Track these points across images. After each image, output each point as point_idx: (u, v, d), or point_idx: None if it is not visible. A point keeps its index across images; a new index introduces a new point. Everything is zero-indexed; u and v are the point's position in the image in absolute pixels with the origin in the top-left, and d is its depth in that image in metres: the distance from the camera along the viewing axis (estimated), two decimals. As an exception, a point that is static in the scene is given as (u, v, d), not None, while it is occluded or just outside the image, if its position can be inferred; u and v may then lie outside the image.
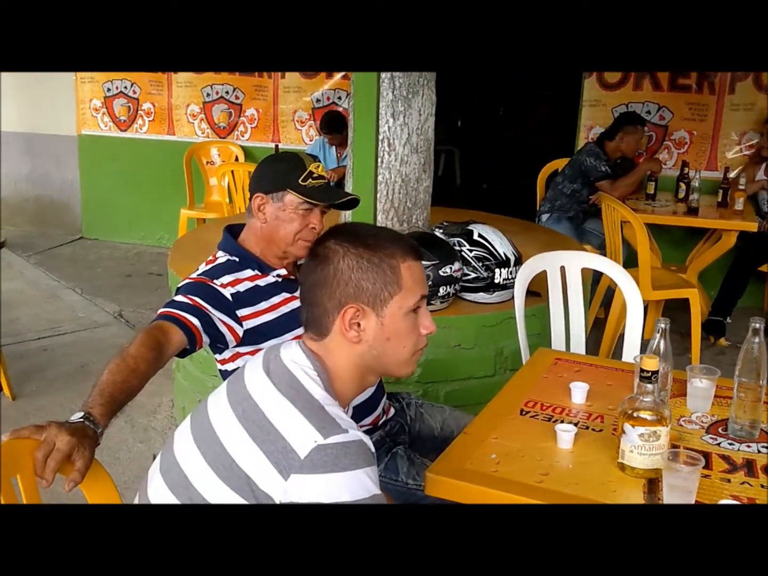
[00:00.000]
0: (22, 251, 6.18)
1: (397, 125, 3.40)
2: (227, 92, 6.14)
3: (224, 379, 2.08)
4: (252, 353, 1.96)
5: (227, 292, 1.95)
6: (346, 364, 1.40)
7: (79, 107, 6.53)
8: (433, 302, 2.89)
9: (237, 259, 2.04)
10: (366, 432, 2.07)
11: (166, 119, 6.34)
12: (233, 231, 2.13)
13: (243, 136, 6.16)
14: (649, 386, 1.60)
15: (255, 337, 1.97)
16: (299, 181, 1.99)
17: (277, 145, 5.79)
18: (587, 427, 1.85)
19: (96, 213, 6.63)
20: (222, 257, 2.05)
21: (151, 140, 6.41)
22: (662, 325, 1.82)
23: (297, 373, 1.36)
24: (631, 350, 2.62)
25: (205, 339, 1.89)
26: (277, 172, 2.04)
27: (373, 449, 1.32)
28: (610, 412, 1.93)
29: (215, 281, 1.95)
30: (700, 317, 4.24)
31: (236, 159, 6.00)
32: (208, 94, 6.18)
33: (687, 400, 1.97)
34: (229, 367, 2.03)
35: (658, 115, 5.40)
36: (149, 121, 6.39)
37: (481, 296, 3.03)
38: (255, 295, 1.99)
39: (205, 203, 5.93)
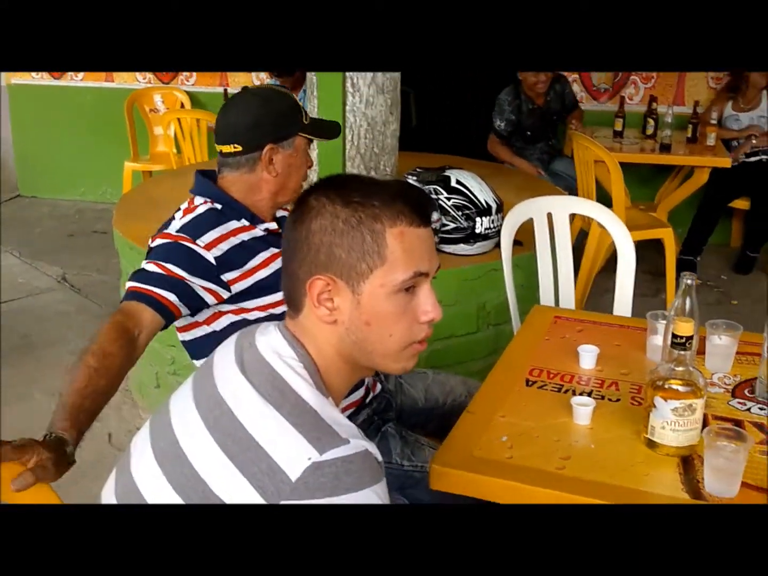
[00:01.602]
0: (-48, 213, 5.76)
1: (360, 64, 3.12)
2: (168, 34, 5.72)
3: (189, 352, 1.86)
4: (236, 312, 1.74)
5: (211, 256, 1.68)
6: (330, 351, 1.12)
7: (6, 54, 6.06)
8: (409, 257, 2.66)
9: (219, 207, 1.77)
10: (352, 413, 1.88)
11: (103, 65, 5.91)
12: (208, 176, 1.85)
13: (188, 81, 5.77)
14: (684, 353, 1.40)
15: (242, 297, 1.74)
16: (303, 120, 1.81)
17: (225, 90, 5.43)
18: (603, 397, 1.66)
19: (32, 169, 6.21)
20: (202, 205, 1.77)
21: (87, 88, 5.99)
22: (688, 281, 1.62)
23: (279, 367, 1.08)
24: (623, 304, 2.43)
25: (184, 311, 1.65)
26: (280, 114, 1.79)
27: (380, 458, 1.05)
28: (624, 377, 1.74)
29: (198, 241, 1.68)
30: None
31: (182, 106, 5.62)
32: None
33: (706, 360, 1.78)
34: (203, 332, 1.76)
35: (623, 49, 5.17)
36: (85, 67, 5.96)
37: (461, 248, 2.81)
38: (242, 254, 1.74)
39: (150, 155, 5.58)
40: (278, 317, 1.76)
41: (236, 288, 1.72)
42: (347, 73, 3.08)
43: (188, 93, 5.69)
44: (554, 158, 4.84)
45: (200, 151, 4.81)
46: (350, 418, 1.85)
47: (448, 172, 2.84)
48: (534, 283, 2.63)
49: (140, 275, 1.63)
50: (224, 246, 1.71)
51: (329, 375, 1.12)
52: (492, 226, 2.78)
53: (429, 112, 6.81)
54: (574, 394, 1.66)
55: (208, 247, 1.69)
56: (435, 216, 2.64)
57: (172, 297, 1.60)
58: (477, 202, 2.76)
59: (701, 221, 4.66)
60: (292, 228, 1.13)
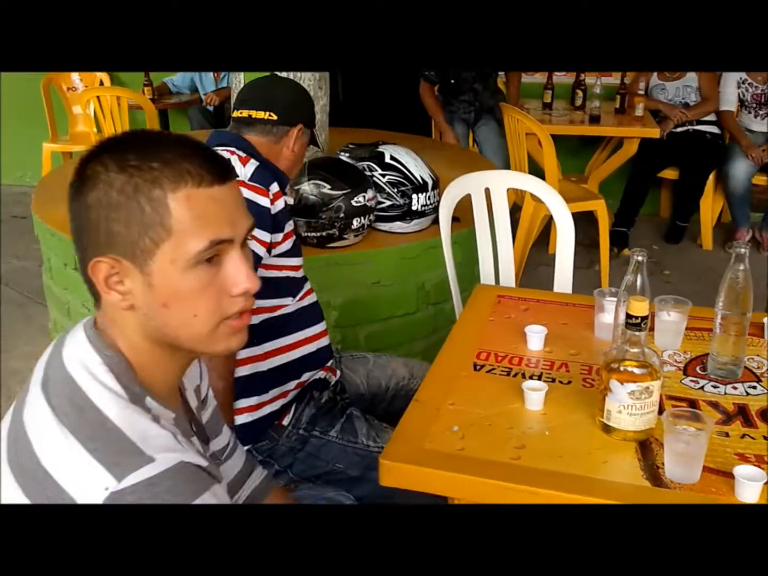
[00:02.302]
0: None
1: (286, 36, 2.99)
2: (82, 7, 5.46)
3: None
4: (266, 268, 1.76)
5: (273, 210, 1.73)
6: (139, 340, 0.96)
7: None
8: (346, 236, 2.57)
9: (260, 165, 1.76)
10: (316, 385, 1.84)
11: (14, 41, 5.61)
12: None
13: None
14: (639, 334, 1.35)
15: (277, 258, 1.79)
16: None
17: (144, 66, 5.21)
18: (553, 380, 1.60)
19: (-58, 152, 5.89)
20: (250, 159, 1.75)
21: None
22: (639, 258, 1.56)
23: (81, 379, 0.92)
24: (564, 279, 2.39)
25: None
26: (312, 106, 1.95)
27: (203, 463, 0.90)
28: (574, 358, 1.69)
29: (270, 192, 1.71)
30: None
31: (101, 83, 5.38)
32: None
33: (655, 337, 1.74)
34: None
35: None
36: (-6, 44, 5.65)
37: (397, 225, 2.73)
38: (285, 215, 1.78)
39: (70, 135, 5.34)
40: (291, 281, 1.82)
41: (274, 251, 1.75)
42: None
43: (106, 70, 5.45)
44: (480, 118, 4.60)
45: (122, 129, 4.60)
46: (313, 396, 1.82)
47: (381, 148, 2.74)
48: (473, 260, 2.57)
49: None
50: (280, 203, 1.75)
51: (147, 367, 0.97)
52: (429, 202, 2.70)
53: (355, 87, 6.70)
54: (524, 377, 1.60)
55: (274, 198, 1.72)
56: (370, 193, 2.55)
57: None
58: (413, 178, 2.68)
59: (632, 192, 4.68)
60: (71, 202, 0.95)
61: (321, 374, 1.88)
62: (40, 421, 0.90)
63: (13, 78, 5.58)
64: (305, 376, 1.85)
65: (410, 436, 1.42)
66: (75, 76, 5.46)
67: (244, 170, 1.71)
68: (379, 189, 2.66)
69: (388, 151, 2.72)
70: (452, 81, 4.52)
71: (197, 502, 0.86)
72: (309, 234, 2.55)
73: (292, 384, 1.82)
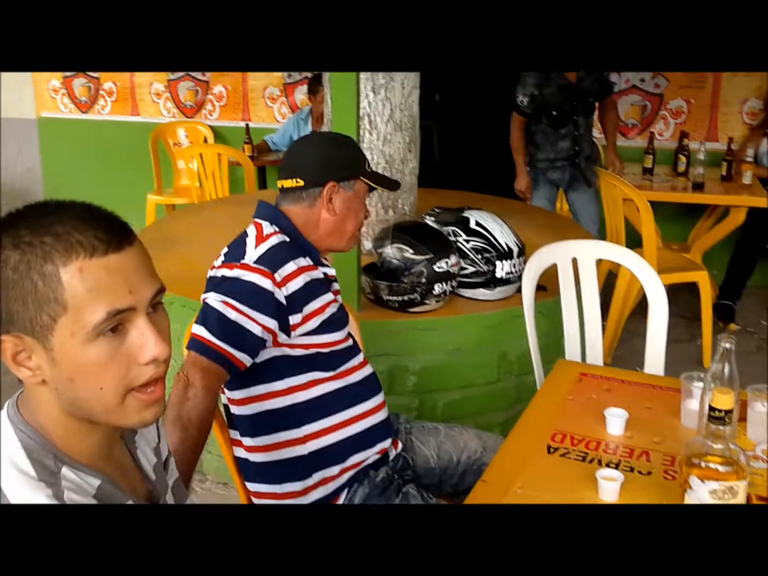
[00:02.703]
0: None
1: (379, 100, 3.02)
2: (192, 68, 5.72)
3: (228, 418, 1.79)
4: (278, 345, 1.68)
5: (282, 294, 1.64)
6: (56, 413, 0.95)
7: (37, 89, 6.11)
8: (427, 301, 2.53)
9: (288, 240, 1.72)
10: (373, 464, 1.77)
11: (129, 99, 5.93)
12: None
13: (211, 115, 5.75)
14: (723, 428, 1.24)
15: (301, 338, 1.72)
16: (366, 167, 1.81)
17: (247, 125, 5.37)
18: (632, 469, 1.50)
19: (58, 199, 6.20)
20: (274, 236, 1.71)
21: (114, 122, 6.01)
22: (727, 345, 1.46)
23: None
24: (655, 360, 2.26)
25: (248, 363, 1.66)
26: (347, 157, 1.81)
27: None
28: (656, 446, 1.59)
29: (276, 275, 1.64)
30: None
31: (205, 140, 5.59)
32: (172, 72, 5.73)
33: (747, 429, 1.62)
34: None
35: (653, 83, 5.03)
36: (111, 101, 5.99)
37: (480, 292, 2.67)
38: (308, 293, 1.70)
39: (173, 188, 5.54)
40: (322, 357, 1.73)
41: (296, 333, 1.69)
42: (365, 110, 2.99)
43: (211, 127, 5.66)
44: (575, 180, 4.25)
45: (221, 186, 4.74)
46: (368, 474, 1.75)
47: (467, 213, 2.71)
48: (560, 331, 2.48)
49: (220, 327, 1.60)
50: (296, 283, 1.67)
51: (67, 438, 0.96)
52: (513, 270, 2.64)
53: (452, 146, 6.72)
54: (599, 464, 1.51)
55: (283, 282, 1.65)
56: (453, 259, 2.51)
57: (245, 358, 1.62)
58: (498, 244, 2.62)
59: (739, 264, 4.46)
60: None
61: (375, 456, 1.79)
62: None
63: (124, 129, 5.87)
64: (357, 458, 1.76)
65: (472, 522, 1.34)
66: (181, 132, 5.70)
67: (255, 251, 1.67)
68: (463, 255, 2.62)
69: (474, 217, 2.68)
70: (554, 113, 4.08)
71: None
72: (390, 297, 2.53)
73: (337, 469, 1.74)
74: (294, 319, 1.66)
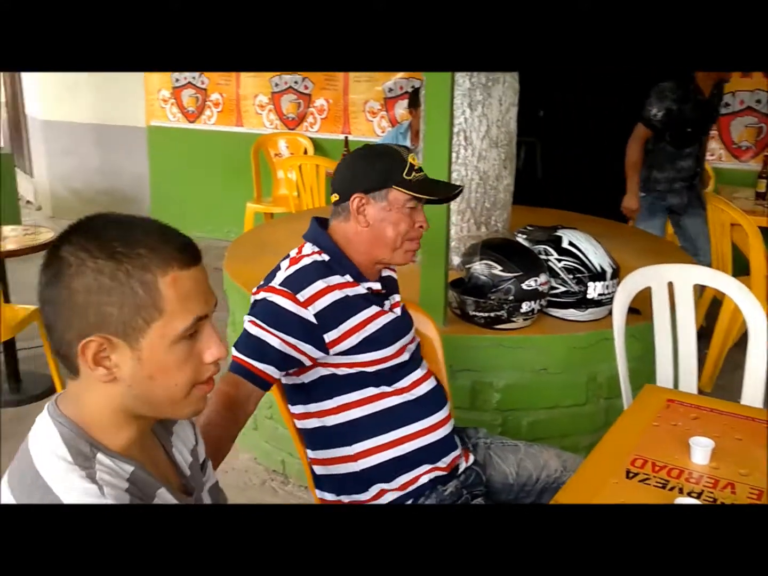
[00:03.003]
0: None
1: (475, 116, 3.02)
2: (296, 82, 5.84)
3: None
4: (325, 365, 1.72)
5: (310, 313, 1.65)
6: (106, 409, 1.04)
7: (147, 98, 6.36)
8: (515, 319, 2.51)
9: (327, 258, 1.74)
10: (439, 479, 1.76)
11: (235, 110, 6.10)
12: (322, 224, 1.83)
13: (312, 128, 5.86)
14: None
15: (338, 355, 1.71)
16: (403, 175, 1.73)
17: (346, 137, 5.46)
18: (714, 500, 1.44)
19: (165, 205, 6.44)
20: (309, 256, 1.74)
21: (219, 132, 6.18)
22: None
23: (34, 447, 1.02)
24: (753, 391, 2.17)
25: (284, 379, 1.75)
26: (377, 168, 1.75)
27: (99, 501, 0.96)
28: (743, 479, 1.52)
29: (298, 296, 1.65)
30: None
31: (305, 151, 5.70)
32: (276, 84, 5.89)
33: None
34: (290, 381, 1.77)
35: (770, 104, 4.84)
36: (217, 112, 6.17)
37: (571, 313, 2.63)
38: (343, 310, 1.70)
39: (272, 197, 5.67)
40: (369, 375, 1.73)
41: (336, 350, 1.69)
42: (461, 126, 2.99)
43: (312, 139, 5.77)
44: (690, 203, 4.04)
45: (318, 197, 4.84)
46: (436, 488, 1.74)
47: (560, 232, 2.67)
48: (652, 356, 2.41)
49: (244, 343, 1.66)
50: (324, 301, 1.68)
51: (106, 430, 1.04)
52: (606, 292, 2.58)
53: (555, 164, 6.64)
54: (680, 493, 1.46)
55: (309, 302, 1.66)
56: (542, 278, 2.48)
57: (270, 369, 1.65)
58: (590, 265, 2.57)
59: None
60: (48, 286, 1.02)
61: (437, 472, 1.76)
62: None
63: (228, 139, 6.05)
64: (413, 474, 1.75)
65: (543, 543, 1.32)
66: (282, 143, 5.83)
67: (284, 273, 1.70)
68: (553, 274, 2.58)
69: (567, 236, 2.64)
70: (689, 129, 3.87)
71: None
72: (477, 313, 2.51)
73: (395, 484, 1.74)
74: (330, 336, 1.67)
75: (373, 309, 1.74)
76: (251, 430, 3.05)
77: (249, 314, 1.69)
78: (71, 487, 0.96)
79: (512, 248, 2.56)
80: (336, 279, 1.72)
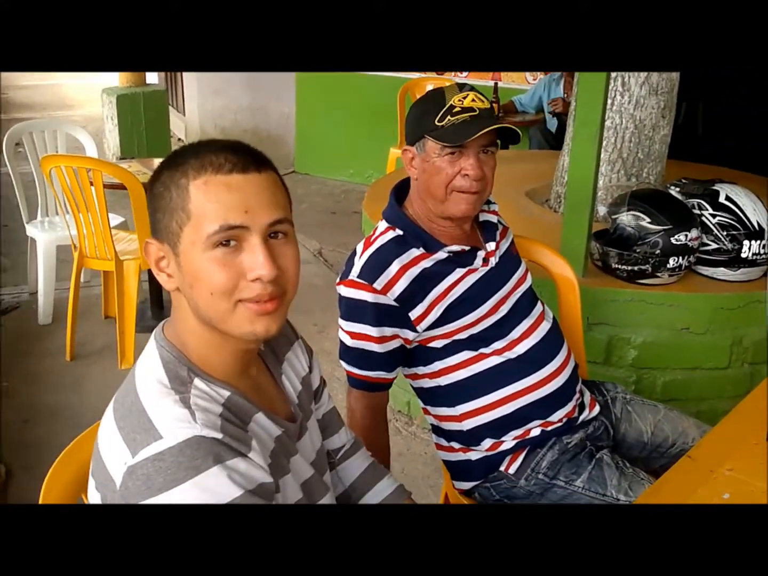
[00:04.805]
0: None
1: (636, 61, 2.88)
2: (450, 26, 5.78)
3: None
4: (428, 340, 1.72)
5: (390, 299, 1.63)
6: (193, 322, 1.05)
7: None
8: (659, 274, 2.41)
9: (402, 233, 1.69)
10: (560, 431, 1.72)
11: (386, 53, 6.10)
12: (401, 191, 1.79)
13: (461, 73, 5.78)
14: None
15: (427, 329, 1.70)
16: (435, 121, 1.62)
17: (496, 83, 5.35)
18: None
19: (308, 147, 6.58)
20: (383, 235, 1.70)
21: (367, 75, 6.19)
22: None
23: (138, 372, 1.05)
24: None
25: (398, 371, 1.77)
26: (415, 116, 1.70)
27: (218, 435, 0.95)
28: None
29: (375, 285, 1.62)
30: None
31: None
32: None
33: None
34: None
35: None
36: (369, 55, 6.19)
37: (721, 272, 2.50)
38: (421, 285, 1.65)
39: (416, 143, 5.66)
40: (462, 342, 1.70)
41: (422, 326, 1.67)
42: (619, 72, 2.86)
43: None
44: None
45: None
46: (560, 437, 1.72)
47: (717, 186, 2.53)
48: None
49: (349, 355, 1.70)
50: (402, 283, 1.64)
51: (203, 352, 1.05)
52: (762, 251, 2.44)
53: (718, 123, 6.30)
54: (827, 461, 1.37)
55: (386, 288, 1.63)
56: (693, 233, 2.37)
57: (382, 374, 1.71)
58: (747, 222, 2.43)
59: None
60: None
61: (560, 413, 1.74)
62: (106, 412, 1.04)
63: (375, 83, 6.06)
64: (528, 426, 1.72)
65: (670, 494, 1.28)
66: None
67: (360, 261, 1.66)
68: (706, 230, 2.46)
69: (724, 191, 2.50)
70: None
71: (195, 480, 0.91)
72: (619, 266, 2.44)
73: (508, 437, 1.72)
74: (414, 313, 1.65)
75: (457, 273, 1.69)
76: (404, 414, 3.10)
77: (340, 317, 1.69)
78: (164, 411, 0.97)
79: (663, 200, 2.45)
80: (413, 253, 1.67)
